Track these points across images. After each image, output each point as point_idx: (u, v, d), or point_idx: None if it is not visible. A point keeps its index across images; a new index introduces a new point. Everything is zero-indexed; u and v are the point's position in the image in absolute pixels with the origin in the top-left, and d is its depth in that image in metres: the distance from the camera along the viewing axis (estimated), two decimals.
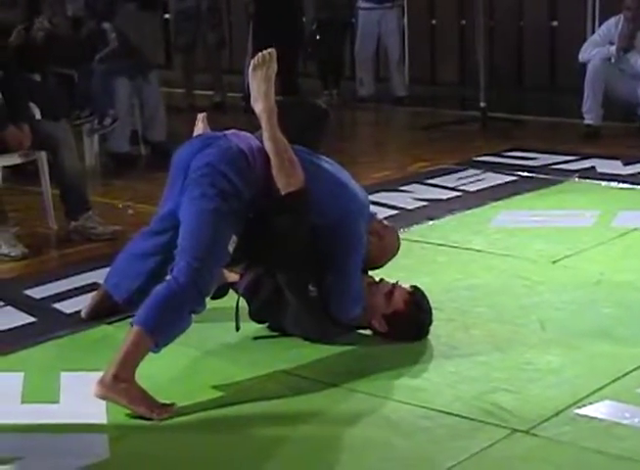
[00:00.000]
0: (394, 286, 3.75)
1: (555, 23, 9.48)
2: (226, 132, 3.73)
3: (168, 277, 3.44)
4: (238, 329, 3.73)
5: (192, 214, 3.51)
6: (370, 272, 3.88)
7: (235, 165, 3.55)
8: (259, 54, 3.66)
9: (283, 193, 3.54)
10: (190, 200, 3.53)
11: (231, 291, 3.85)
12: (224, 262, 3.53)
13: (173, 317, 3.35)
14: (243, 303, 3.81)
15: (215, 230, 3.46)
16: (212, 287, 3.52)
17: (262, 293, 3.74)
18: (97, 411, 3.25)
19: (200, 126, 4.01)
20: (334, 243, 3.65)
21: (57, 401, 3.37)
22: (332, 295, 3.65)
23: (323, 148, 3.90)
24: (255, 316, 3.82)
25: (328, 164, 3.81)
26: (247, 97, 9.28)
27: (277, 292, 3.71)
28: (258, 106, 3.63)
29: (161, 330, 3.32)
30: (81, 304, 4.19)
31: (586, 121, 7.60)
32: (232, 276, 3.85)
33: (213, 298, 3.72)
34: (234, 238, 3.49)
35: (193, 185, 3.54)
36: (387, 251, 3.91)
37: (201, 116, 4.06)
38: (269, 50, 3.66)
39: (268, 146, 3.59)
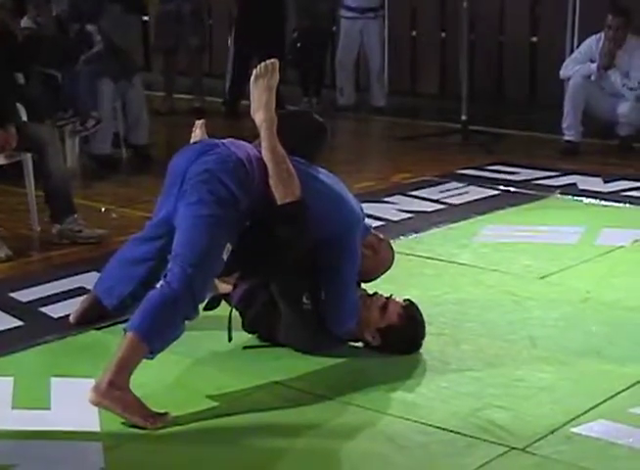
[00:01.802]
0: (389, 299, 3.76)
1: (535, 39, 9.55)
2: (224, 141, 3.72)
3: (162, 283, 3.41)
4: (230, 340, 3.71)
5: (188, 220, 3.49)
6: (362, 285, 3.89)
7: (233, 174, 3.54)
8: (262, 64, 3.67)
9: (280, 203, 3.54)
10: (187, 205, 3.52)
11: (223, 302, 3.83)
12: (218, 270, 3.52)
13: (167, 323, 3.34)
14: (235, 313, 3.79)
15: (211, 237, 3.45)
16: (206, 294, 3.51)
17: (256, 304, 3.74)
18: (90, 418, 3.23)
19: (197, 133, 4.00)
20: (330, 255, 3.66)
21: (48, 408, 3.34)
22: (327, 307, 3.66)
23: (319, 162, 3.91)
24: (249, 328, 3.81)
25: (325, 175, 3.82)
26: (227, 102, 9.36)
27: (271, 303, 3.71)
28: (259, 116, 3.63)
29: (156, 336, 3.31)
30: (69, 308, 4.16)
31: (566, 137, 7.65)
32: (225, 287, 3.83)
33: (206, 309, 3.71)
34: (228, 246, 3.48)
35: (190, 191, 3.53)
36: (381, 264, 3.93)
37: (199, 122, 4.05)
38: (272, 60, 3.67)
39: (267, 156, 3.59)
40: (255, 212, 3.57)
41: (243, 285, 3.74)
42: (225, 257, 3.48)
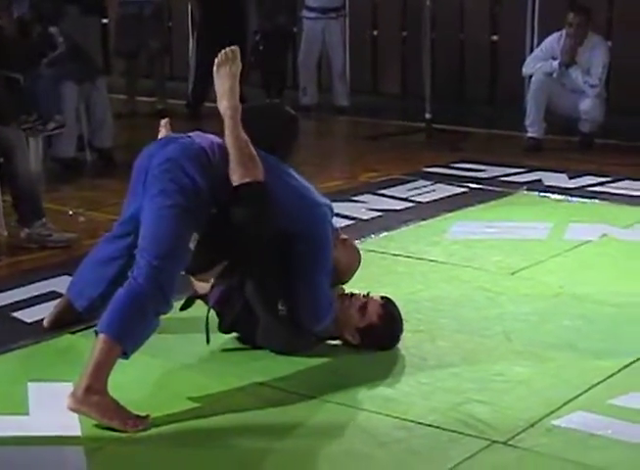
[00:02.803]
0: (367, 298, 3.77)
1: (495, 38, 9.61)
2: (189, 134, 3.70)
3: (129, 279, 3.38)
4: (208, 342, 3.69)
5: (152, 213, 3.46)
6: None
7: (195, 161, 3.51)
8: (222, 52, 3.64)
9: (236, 183, 3.49)
10: (150, 198, 3.48)
11: (199, 302, 3.81)
12: (186, 260, 3.48)
13: (138, 320, 3.30)
14: (212, 314, 3.78)
15: (175, 227, 3.42)
16: (175, 285, 3.45)
17: (234, 306, 3.70)
18: (70, 423, 3.20)
19: (163, 132, 3.97)
20: (301, 250, 3.63)
21: (27, 413, 3.30)
22: (302, 304, 3.64)
23: (295, 153, 3.88)
24: (227, 330, 3.79)
25: (293, 172, 3.81)
26: (190, 104, 9.31)
27: (248, 306, 3.68)
28: (223, 103, 3.60)
29: (128, 335, 3.27)
30: (41, 312, 4.12)
31: (529, 134, 7.72)
32: (202, 286, 3.81)
33: (181, 309, 3.71)
34: (195, 235, 3.46)
35: (153, 182, 3.50)
36: (350, 265, 3.92)
37: (163, 121, 4.02)
38: (232, 47, 3.64)
39: (229, 142, 3.55)
40: (220, 199, 3.53)
41: (220, 286, 3.72)
42: (192, 246, 3.45)
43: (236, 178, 3.50)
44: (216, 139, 3.65)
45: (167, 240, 3.40)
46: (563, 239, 5.24)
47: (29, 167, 5.21)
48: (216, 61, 3.65)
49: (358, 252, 4.01)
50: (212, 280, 3.71)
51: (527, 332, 4.01)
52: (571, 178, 6.62)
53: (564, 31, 7.71)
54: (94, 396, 3.18)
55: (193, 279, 3.76)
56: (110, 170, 6.81)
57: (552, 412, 3.26)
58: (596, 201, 6.07)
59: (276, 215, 3.54)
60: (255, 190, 3.50)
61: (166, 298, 3.38)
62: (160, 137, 3.97)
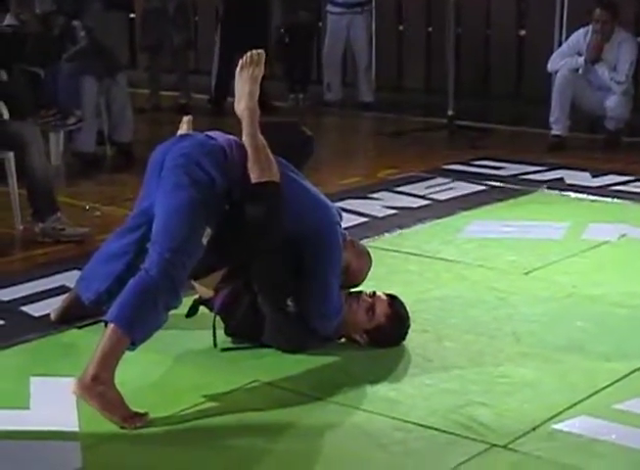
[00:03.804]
0: (374, 299, 3.73)
1: (523, 33, 9.52)
2: (208, 132, 3.71)
3: (140, 271, 3.37)
4: (216, 345, 3.68)
5: (165, 205, 3.47)
6: None
7: (210, 157, 3.53)
8: (248, 54, 3.65)
9: (254, 181, 3.50)
10: (164, 191, 3.49)
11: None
12: (198, 255, 3.46)
13: (148, 311, 3.28)
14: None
15: (189, 221, 3.42)
16: (185, 279, 3.45)
17: (239, 310, 3.68)
18: (69, 418, 3.20)
19: (184, 128, 3.98)
20: (311, 252, 3.63)
21: (27, 407, 3.30)
22: (311, 307, 3.63)
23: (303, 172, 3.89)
24: (232, 333, 3.77)
25: (302, 178, 3.82)
26: (213, 99, 9.33)
27: (253, 308, 3.66)
28: (241, 105, 3.62)
29: (137, 325, 3.25)
30: (50, 307, 4.12)
31: (553, 132, 7.63)
32: (206, 292, 3.77)
33: (187, 316, 3.73)
34: (208, 230, 3.45)
35: (167, 175, 3.51)
36: (361, 268, 3.89)
37: (186, 118, 4.03)
38: (258, 51, 3.66)
39: (247, 141, 3.59)
40: (234, 196, 3.53)
41: (224, 290, 3.69)
42: (205, 241, 3.44)
43: (253, 177, 3.51)
44: (235, 138, 3.65)
45: (180, 233, 3.39)
46: (580, 239, 5.17)
47: (44, 162, 5.21)
48: (240, 62, 3.67)
49: (369, 255, 3.98)
50: (216, 284, 3.69)
51: (537, 333, 3.95)
52: (593, 177, 6.54)
53: (590, 27, 7.62)
54: (100, 386, 3.17)
55: (196, 284, 3.74)
56: (129, 165, 6.81)
57: (555, 416, 3.21)
58: (618, 200, 5.98)
59: (288, 216, 3.53)
60: (271, 190, 3.51)
61: (177, 291, 3.36)
62: (179, 133, 3.97)
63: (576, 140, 7.69)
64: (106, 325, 3.26)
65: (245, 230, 3.51)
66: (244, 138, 3.61)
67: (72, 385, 3.20)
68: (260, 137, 3.60)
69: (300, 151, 3.97)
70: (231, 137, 3.68)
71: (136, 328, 3.25)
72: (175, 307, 3.40)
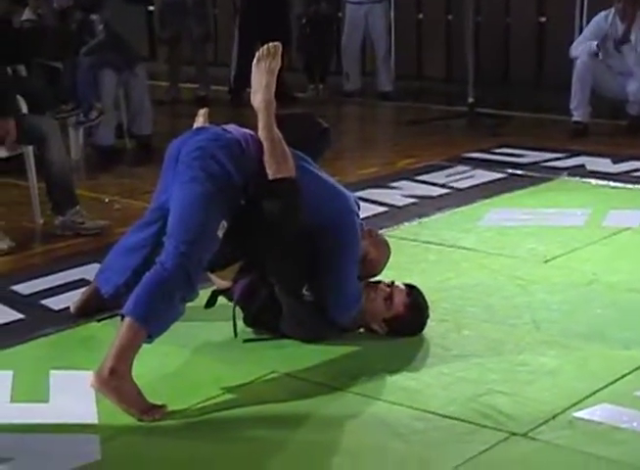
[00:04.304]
0: (392, 288, 3.72)
1: (543, 19, 9.45)
2: (224, 125, 3.71)
3: (156, 264, 3.37)
4: (236, 335, 3.68)
5: (181, 198, 3.47)
6: None
7: (226, 150, 3.52)
8: (264, 46, 3.65)
9: (271, 178, 3.50)
10: (180, 184, 3.49)
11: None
12: (214, 248, 3.45)
13: (163, 304, 3.28)
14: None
15: (204, 214, 3.41)
16: (201, 272, 3.45)
17: (258, 299, 3.68)
18: (87, 411, 3.20)
19: (200, 121, 3.97)
20: (328, 243, 3.62)
21: (46, 401, 3.31)
22: (329, 297, 3.63)
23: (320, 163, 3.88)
24: (252, 323, 3.77)
25: (318, 170, 3.81)
26: (232, 90, 9.33)
27: (272, 297, 3.66)
28: (257, 98, 3.61)
29: (153, 318, 3.25)
30: (69, 300, 4.14)
31: (574, 118, 7.57)
32: (221, 283, 3.77)
33: (205, 307, 3.72)
34: (224, 223, 3.44)
35: (183, 169, 3.51)
36: (379, 258, 3.87)
37: (202, 111, 4.02)
38: (275, 43, 3.65)
39: (263, 135, 3.58)
40: (250, 190, 3.53)
41: (243, 280, 3.69)
42: (221, 234, 3.43)
43: (270, 173, 3.51)
44: (250, 132, 3.65)
45: (196, 226, 3.39)
46: (601, 226, 5.13)
47: (63, 156, 5.22)
48: (257, 54, 3.66)
49: (388, 245, 3.96)
50: (234, 275, 3.69)
51: (557, 321, 3.92)
52: (615, 163, 6.49)
53: (612, 10, 7.55)
54: (117, 379, 3.17)
55: (212, 276, 3.73)
56: (148, 158, 6.81)
57: (575, 404, 3.18)
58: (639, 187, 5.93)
59: (305, 208, 3.52)
60: (288, 186, 3.50)
61: (192, 283, 3.36)
62: (195, 126, 3.97)
63: (598, 126, 7.64)
64: (122, 319, 3.27)
65: (261, 226, 3.50)
66: (259, 131, 3.60)
67: (90, 378, 3.21)
68: (276, 130, 3.58)
69: (317, 142, 3.95)
70: (247, 131, 3.67)
71: (152, 321, 3.25)
72: (191, 300, 3.39)
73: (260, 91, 3.62)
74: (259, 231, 3.51)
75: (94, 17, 6.98)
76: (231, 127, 3.70)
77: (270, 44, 3.67)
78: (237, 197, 3.52)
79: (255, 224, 3.50)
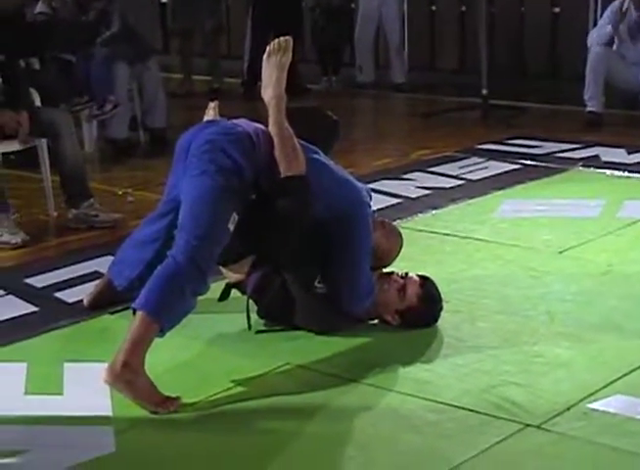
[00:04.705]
0: (405, 279, 3.71)
1: (557, 10, 9.40)
2: (234, 120, 3.70)
3: (167, 257, 3.37)
4: (250, 328, 3.68)
5: (191, 192, 3.47)
6: None
7: (237, 143, 3.52)
8: (275, 41, 3.64)
9: (283, 176, 3.50)
10: (190, 177, 3.49)
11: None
12: (225, 241, 3.45)
13: (175, 298, 3.28)
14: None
15: (215, 207, 3.41)
16: (212, 265, 3.45)
17: (271, 291, 3.67)
18: (102, 404, 3.21)
19: (210, 114, 3.96)
20: (341, 234, 3.62)
21: (61, 393, 3.32)
22: (342, 288, 3.63)
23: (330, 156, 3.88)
24: (265, 315, 3.77)
25: (328, 161, 3.81)
26: (245, 82, 9.32)
27: (285, 289, 3.66)
28: (268, 92, 3.61)
29: (165, 312, 3.25)
30: (83, 292, 4.14)
31: (589, 109, 7.54)
32: (233, 276, 3.77)
33: (219, 300, 3.73)
34: (235, 216, 3.44)
35: (194, 162, 3.51)
36: (391, 249, 3.87)
37: (212, 104, 4.01)
38: (285, 38, 3.65)
39: (273, 130, 3.58)
40: (261, 184, 3.53)
41: (256, 274, 3.68)
42: (232, 227, 3.43)
43: (281, 169, 3.51)
44: (261, 126, 3.64)
45: (206, 220, 3.39)
46: (615, 217, 5.11)
47: (76, 149, 5.23)
48: (268, 49, 3.66)
49: (400, 235, 3.95)
50: (246, 268, 3.68)
51: (572, 313, 3.91)
52: (630, 154, 6.46)
53: None
54: (130, 373, 3.17)
55: (224, 270, 3.73)
56: (162, 150, 6.80)
57: (590, 395, 3.17)
58: None
59: (317, 201, 3.53)
60: (299, 184, 3.51)
61: (204, 277, 3.36)
62: (205, 119, 3.96)
63: (612, 117, 7.60)
64: (134, 313, 3.27)
65: (273, 222, 3.51)
66: (270, 126, 3.59)
67: (103, 373, 3.21)
68: (287, 125, 3.58)
69: (326, 136, 3.95)
70: (257, 125, 3.67)
71: (164, 315, 3.25)
72: (203, 293, 3.39)
73: (271, 86, 3.61)
74: (271, 227, 3.51)
75: (112, 7, 6.97)
76: (241, 121, 3.69)
77: (281, 39, 3.66)
78: (247, 190, 3.52)
79: (267, 220, 3.50)
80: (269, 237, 3.55)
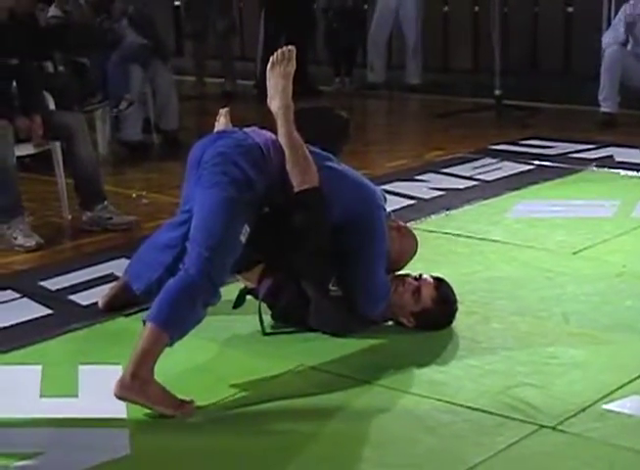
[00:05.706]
0: (420, 281, 3.71)
1: (570, 9, 9.38)
2: (245, 129, 3.70)
3: (180, 270, 3.38)
4: (264, 332, 3.69)
5: (203, 204, 3.47)
6: None
7: (248, 155, 3.52)
8: (279, 51, 3.64)
9: (297, 190, 3.51)
10: (202, 189, 3.50)
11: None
12: (237, 253, 3.46)
13: (186, 310, 3.28)
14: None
15: (227, 219, 3.41)
16: (225, 277, 3.45)
17: (284, 297, 3.67)
18: (117, 406, 3.20)
19: (222, 121, 3.96)
20: (356, 237, 3.62)
21: (76, 395, 3.33)
22: (357, 292, 3.63)
23: (341, 155, 3.87)
24: (280, 317, 3.77)
25: (341, 165, 3.81)
26: (259, 85, 9.33)
27: (299, 294, 3.65)
28: (275, 103, 3.61)
29: (175, 325, 3.25)
30: (98, 295, 4.15)
31: (603, 109, 7.52)
32: (250, 283, 3.76)
33: (234, 307, 3.73)
34: (246, 228, 3.44)
35: (205, 175, 3.51)
36: (406, 250, 3.86)
37: (223, 111, 4.01)
38: (289, 47, 3.64)
39: (283, 142, 3.58)
40: (273, 197, 3.54)
41: (267, 280, 3.68)
42: (243, 239, 3.43)
43: (295, 184, 3.52)
44: (272, 136, 3.64)
45: (219, 232, 3.39)
46: (630, 217, 5.09)
47: (90, 152, 5.25)
48: (271, 59, 3.66)
49: (415, 238, 3.94)
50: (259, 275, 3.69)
51: (587, 313, 3.89)
52: None
53: None
54: (141, 383, 3.16)
55: (239, 276, 3.74)
56: (175, 153, 6.82)
57: (605, 396, 3.16)
58: None
59: (331, 209, 3.53)
60: (313, 196, 3.52)
61: (216, 289, 3.37)
62: (217, 127, 3.97)
63: (627, 117, 7.58)
64: (144, 324, 3.27)
65: (288, 235, 3.52)
66: (280, 138, 3.58)
67: (114, 388, 3.18)
68: (296, 135, 3.57)
69: (337, 136, 3.94)
70: (268, 135, 3.65)
71: (173, 327, 3.24)
72: (214, 305, 3.39)
73: (277, 97, 3.61)
74: (288, 240, 3.51)
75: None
76: (251, 131, 3.68)
77: (284, 48, 3.66)
78: (259, 203, 3.53)
79: (283, 235, 3.50)
80: (284, 245, 3.55)
